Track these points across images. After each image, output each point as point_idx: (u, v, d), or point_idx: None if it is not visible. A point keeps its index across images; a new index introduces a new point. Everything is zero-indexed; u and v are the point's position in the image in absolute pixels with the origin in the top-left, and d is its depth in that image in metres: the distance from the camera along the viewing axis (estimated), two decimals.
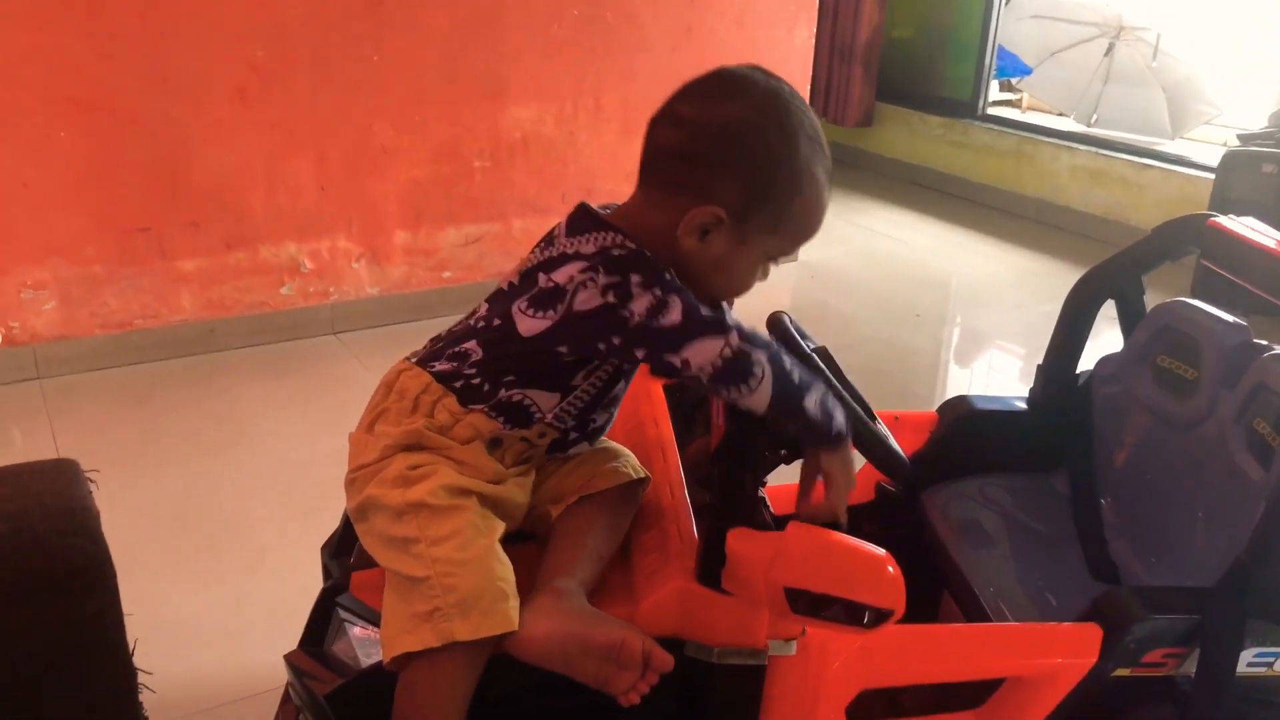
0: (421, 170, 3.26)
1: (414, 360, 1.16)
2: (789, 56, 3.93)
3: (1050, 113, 5.54)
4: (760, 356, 1.02)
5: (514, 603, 1.04)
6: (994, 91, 5.58)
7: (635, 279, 1.03)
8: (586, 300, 1.04)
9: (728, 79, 1.09)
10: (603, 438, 1.25)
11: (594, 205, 1.16)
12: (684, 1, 3.61)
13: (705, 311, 1.03)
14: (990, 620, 1.40)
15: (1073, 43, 5.22)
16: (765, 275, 1.16)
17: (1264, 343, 1.42)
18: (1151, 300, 1.64)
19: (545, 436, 1.15)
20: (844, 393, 1.14)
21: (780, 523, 1.06)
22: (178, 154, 2.90)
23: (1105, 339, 1.76)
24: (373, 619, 1.11)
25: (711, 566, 1.03)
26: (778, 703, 1.09)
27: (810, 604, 0.98)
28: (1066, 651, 1.19)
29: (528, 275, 1.11)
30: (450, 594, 1.02)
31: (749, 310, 1.28)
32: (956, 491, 1.61)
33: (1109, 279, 1.61)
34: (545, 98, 3.45)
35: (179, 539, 2.20)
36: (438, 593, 1.02)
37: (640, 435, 1.37)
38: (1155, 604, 1.20)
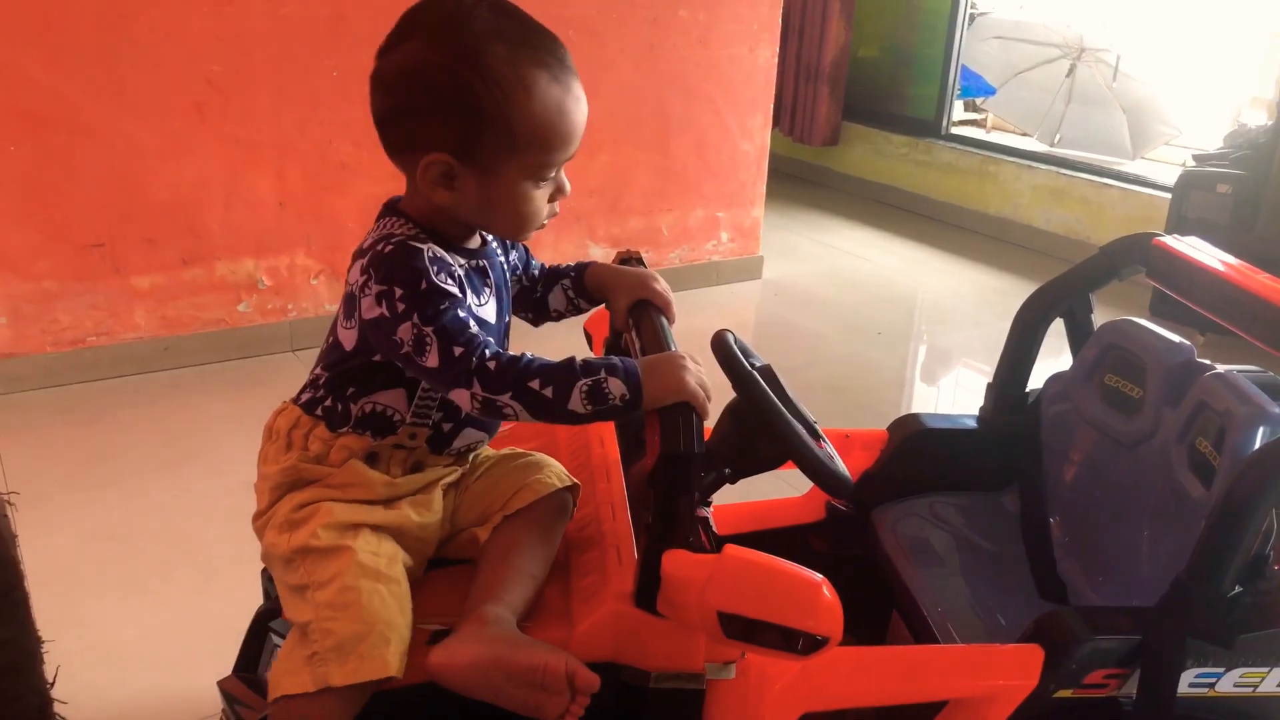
0: (381, 186, 3.18)
1: (291, 399, 1.16)
2: (752, 75, 3.95)
3: (1015, 132, 5.60)
4: (505, 399, 0.99)
5: (397, 647, 1.01)
6: (959, 111, 5.64)
7: (398, 293, 1.00)
8: (368, 309, 1.03)
9: (405, 18, 1.04)
10: (532, 452, 1.24)
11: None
12: (647, 20, 3.62)
13: (457, 350, 0.99)
14: (938, 640, 1.39)
15: (1035, 63, 5.29)
16: (559, 194, 1.10)
17: (1206, 362, 1.43)
18: (1108, 317, 1.64)
19: (417, 436, 1.13)
20: (781, 409, 1.13)
21: (721, 544, 1.05)
22: (133, 169, 2.87)
23: (1066, 358, 1.76)
24: None
25: (647, 590, 1.02)
26: None
27: (744, 629, 0.97)
28: (1008, 673, 1.18)
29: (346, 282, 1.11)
30: (327, 638, 1.01)
31: (702, 329, 1.28)
32: (906, 510, 1.60)
33: (1057, 297, 1.62)
34: None
35: (127, 560, 2.15)
36: (317, 637, 1.01)
37: (586, 454, 1.35)
38: (1096, 624, 1.20)
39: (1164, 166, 4.83)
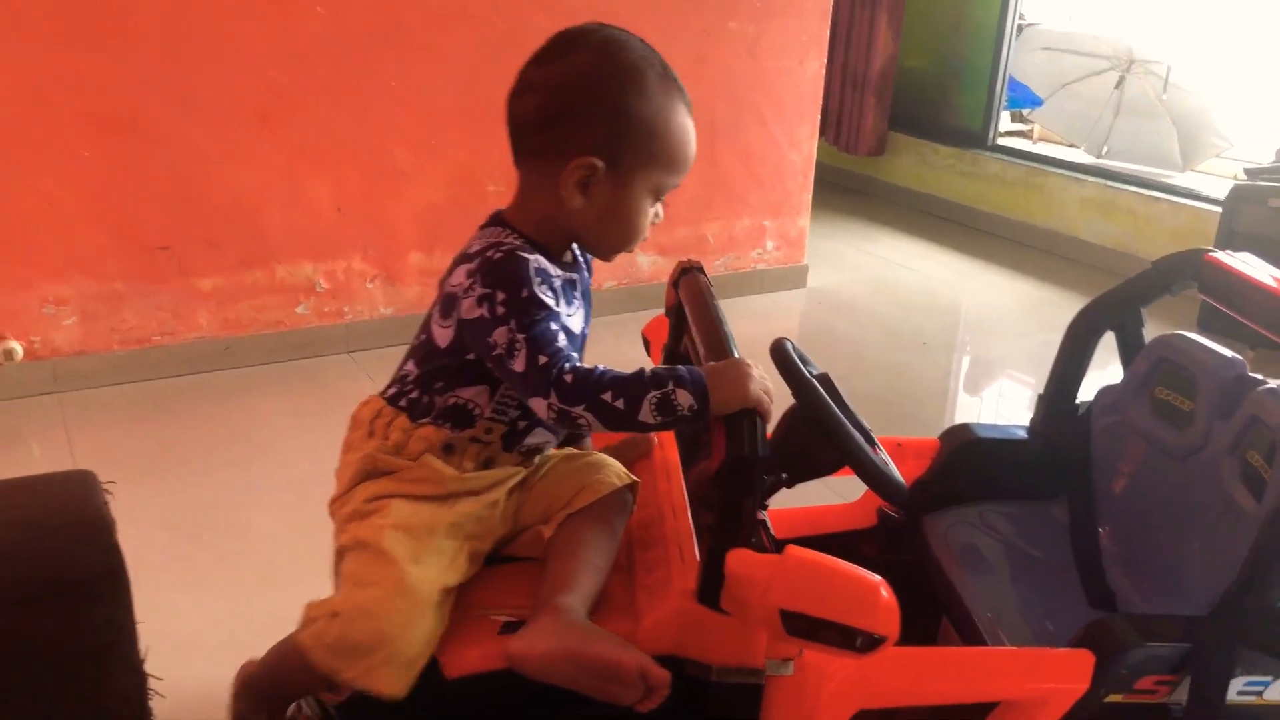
0: (437, 193, 3.31)
1: (378, 393, 1.23)
2: (800, 86, 3.98)
3: (1061, 144, 5.58)
4: (579, 410, 1.05)
5: (405, 670, 1.07)
6: (1005, 122, 5.62)
7: (500, 297, 1.07)
8: (469, 309, 1.10)
9: (566, 37, 1.15)
10: (590, 450, 1.30)
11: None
12: (697, 31, 3.67)
13: (542, 360, 1.06)
14: (988, 645, 1.42)
15: (1083, 75, 5.27)
16: (659, 216, 1.20)
17: (1258, 376, 1.45)
18: (1155, 331, 1.66)
19: (493, 431, 1.19)
20: (839, 416, 1.18)
21: (780, 546, 1.09)
22: (198, 174, 2.96)
23: (1114, 370, 1.78)
24: None
25: (711, 587, 1.06)
26: None
27: (805, 627, 1.01)
28: (1059, 676, 1.21)
29: (441, 284, 1.18)
30: (346, 638, 1.07)
31: (748, 336, 1.32)
32: (957, 518, 1.63)
33: (1109, 311, 1.64)
34: None
35: (191, 552, 2.23)
36: (338, 631, 1.08)
37: (647, 456, 1.40)
38: (1147, 631, 1.22)
39: (1215, 179, 4.79)
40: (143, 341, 3.02)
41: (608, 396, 1.05)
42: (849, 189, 5.94)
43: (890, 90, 5.59)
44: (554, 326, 1.08)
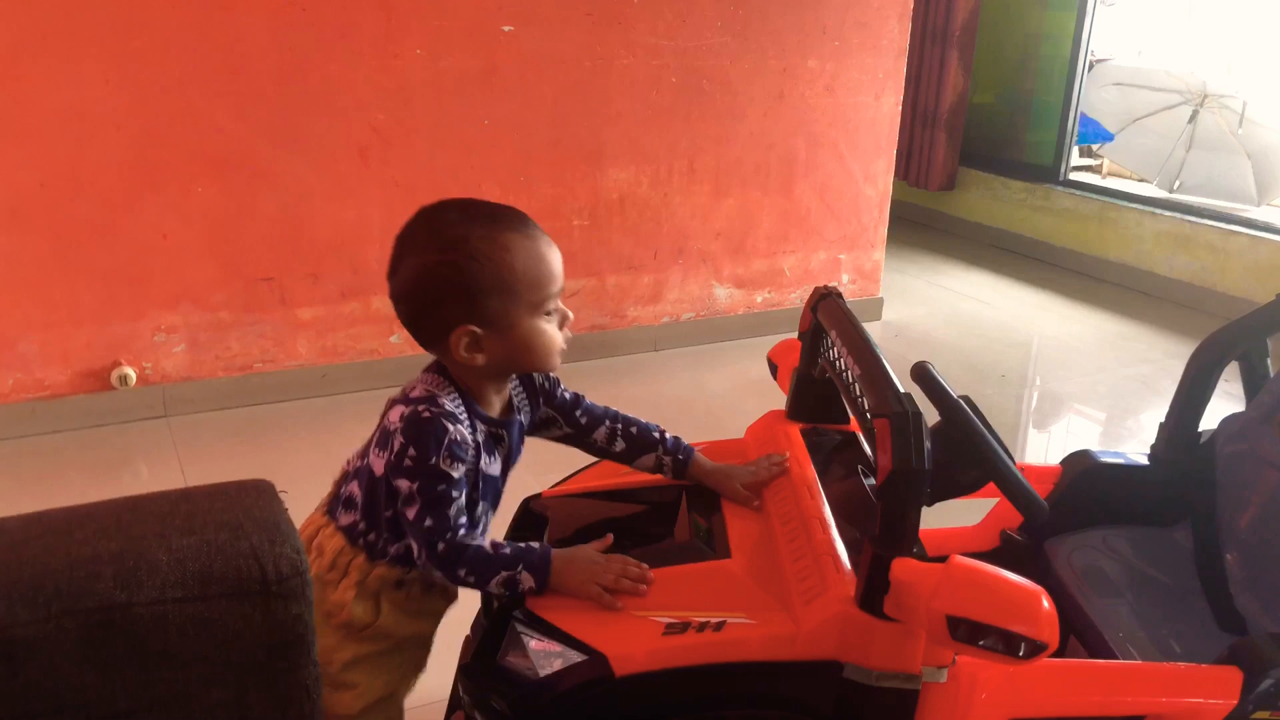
0: None
1: (325, 511, 1.35)
2: (876, 123, 4.04)
3: (1131, 178, 5.57)
4: (437, 576, 1.24)
5: None
6: (1073, 157, 5.63)
7: (411, 453, 1.19)
8: (389, 451, 1.22)
9: (396, 244, 1.27)
10: None
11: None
12: (777, 69, 3.75)
13: (428, 522, 1.20)
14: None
15: (1155, 110, 5.27)
16: (566, 321, 1.29)
17: None
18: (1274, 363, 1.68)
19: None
20: (987, 435, 1.21)
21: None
22: (302, 209, 3.08)
23: (1219, 403, 1.79)
24: (548, 632, 1.19)
25: (874, 594, 1.10)
26: None
27: (970, 633, 1.04)
28: (1208, 692, 1.23)
29: (383, 415, 1.29)
30: None
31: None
32: (1080, 542, 1.65)
33: (1234, 341, 1.66)
34: (642, 160, 3.59)
35: None
36: None
37: (785, 474, 1.44)
38: None
39: None
40: (245, 369, 3.13)
41: (462, 572, 1.21)
42: (920, 223, 5.97)
43: (961, 126, 5.63)
44: (452, 494, 1.21)
